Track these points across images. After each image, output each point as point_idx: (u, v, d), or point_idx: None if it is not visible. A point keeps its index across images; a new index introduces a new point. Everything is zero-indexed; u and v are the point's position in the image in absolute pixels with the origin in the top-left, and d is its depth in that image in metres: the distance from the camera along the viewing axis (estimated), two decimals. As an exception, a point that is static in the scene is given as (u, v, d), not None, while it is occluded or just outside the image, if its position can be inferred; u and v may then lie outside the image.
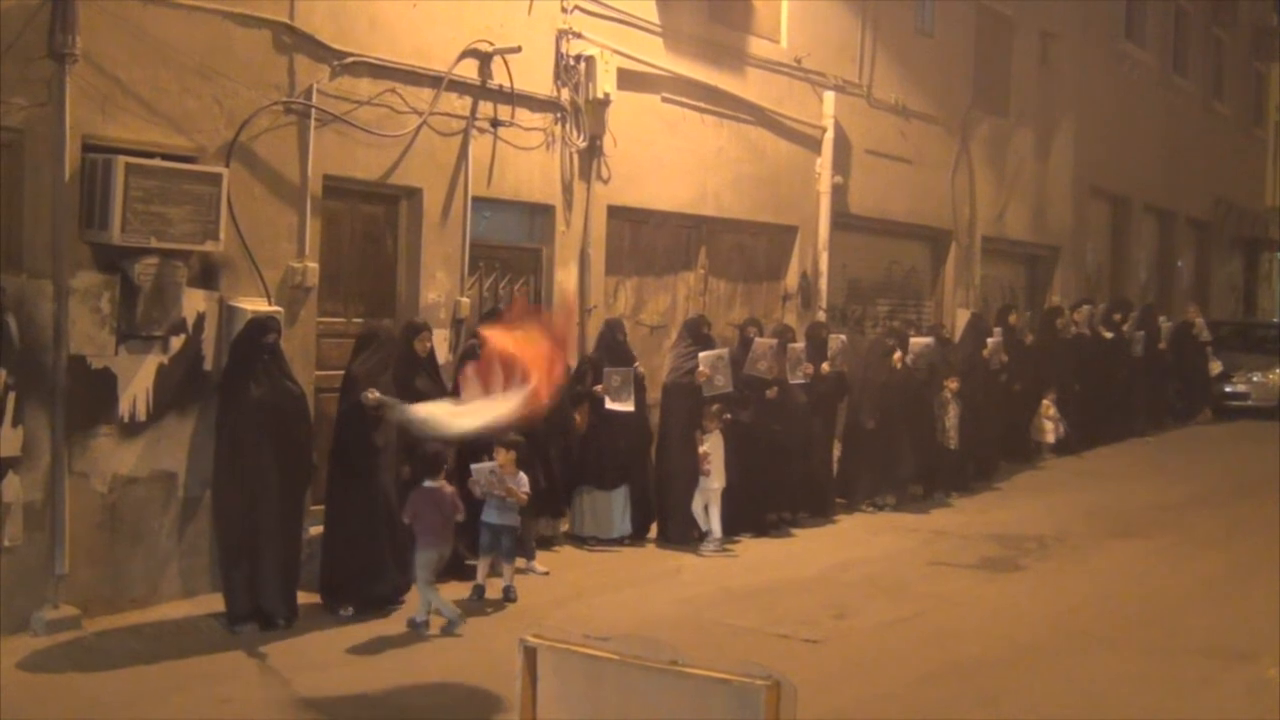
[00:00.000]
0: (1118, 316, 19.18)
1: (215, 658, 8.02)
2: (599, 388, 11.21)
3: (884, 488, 13.50)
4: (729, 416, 11.47)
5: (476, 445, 9.82)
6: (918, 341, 14.17)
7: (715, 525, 11.33)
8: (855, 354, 13.66)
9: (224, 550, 8.73)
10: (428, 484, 8.81)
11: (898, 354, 13.56)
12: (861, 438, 13.29)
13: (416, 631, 8.60)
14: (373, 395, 8.92)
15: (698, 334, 11.96)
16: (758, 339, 12.10)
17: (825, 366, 12.73)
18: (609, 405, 11.15)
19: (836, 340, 13.04)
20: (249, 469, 8.61)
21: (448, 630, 8.60)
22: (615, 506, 11.36)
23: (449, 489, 8.86)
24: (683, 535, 11.46)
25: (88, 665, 7.78)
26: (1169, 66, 25.64)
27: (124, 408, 8.66)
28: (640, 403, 11.45)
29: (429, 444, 8.75)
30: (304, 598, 8.99)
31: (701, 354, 11.60)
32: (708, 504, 11.35)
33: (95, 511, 8.53)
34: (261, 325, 8.90)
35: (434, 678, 7.76)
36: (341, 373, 9.82)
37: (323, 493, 9.33)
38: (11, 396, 8.00)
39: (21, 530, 8.11)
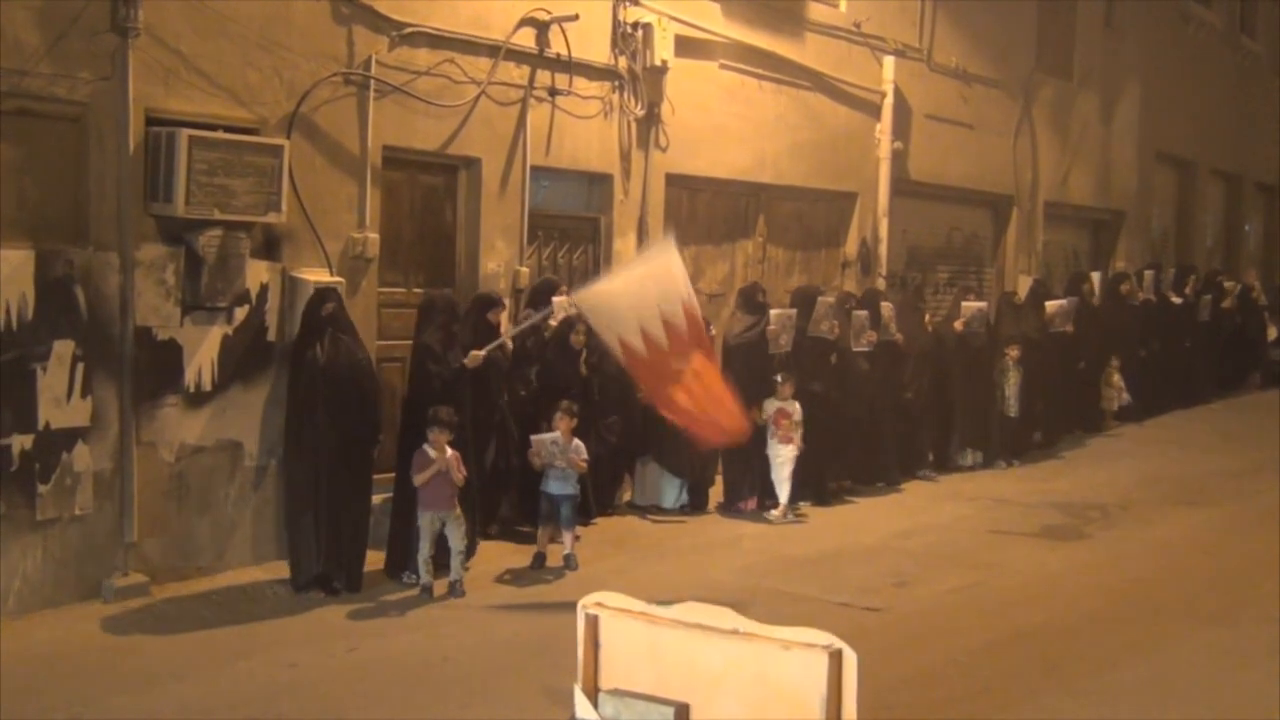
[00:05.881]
0: (1192, 279, 18.92)
1: (282, 624, 8.13)
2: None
3: (944, 455, 13.46)
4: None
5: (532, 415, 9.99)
6: (969, 306, 14.04)
7: (784, 492, 11.29)
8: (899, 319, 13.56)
9: (290, 517, 8.85)
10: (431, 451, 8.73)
11: (928, 316, 13.57)
12: (901, 404, 13.17)
13: (423, 595, 8.70)
14: (477, 355, 9.10)
15: (752, 301, 11.88)
16: (819, 298, 12.04)
17: (899, 336, 12.70)
18: None
19: (887, 308, 12.96)
20: (313, 437, 8.70)
21: (453, 593, 8.76)
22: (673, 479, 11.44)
23: (453, 454, 8.78)
24: (742, 493, 11.46)
25: (157, 631, 7.91)
26: (1236, 27, 25.14)
27: (190, 378, 8.77)
28: None
29: (440, 408, 8.76)
30: (372, 563, 9.08)
31: (773, 312, 11.54)
32: (780, 473, 11.30)
33: (163, 480, 8.66)
34: (320, 296, 9.00)
35: (499, 643, 7.82)
36: (402, 342, 9.94)
37: (392, 461, 9.38)
38: (80, 367, 8.14)
39: (91, 499, 8.26)
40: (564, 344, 10.39)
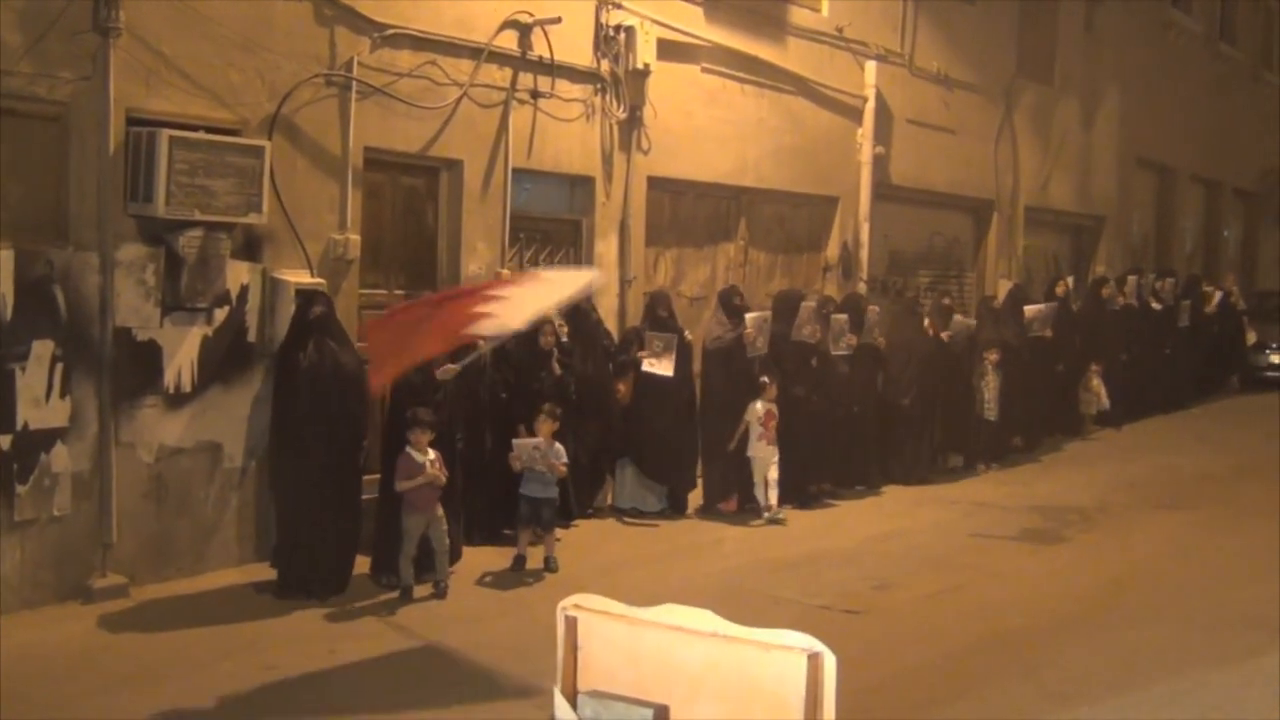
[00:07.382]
0: (1168, 284, 18.99)
1: (262, 625, 8.11)
2: (641, 352, 11.21)
3: (923, 459, 13.49)
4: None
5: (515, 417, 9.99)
6: (960, 322, 14.10)
7: (772, 495, 11.29)
8: (897, 325, 13.64)
9: (279, 521, 8.81)
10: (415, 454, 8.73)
11: (927, 321, 13.60)
12: (899, 410, 13.23)
13: (403, 597, 8.69)
14: (450, 369, 8.98)
15: (730, 305, 11.89)
16: (802, 303, 12.07)
17: (881, 340, 12.73)
18: (645, 367, 11.13)
19: (873, 312, 13.01)
20: (295, 442, 8.68)
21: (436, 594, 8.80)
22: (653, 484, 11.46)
23: (435, 455, 8.76)
24: (722, 496, 11.49)
25: (136, 632, 7.88)
26: (1216, 34, 25.27)
27: (169, 379, 8.74)
28: (684, 369, 11.41)
29: (420, 409, 8.73)
30: (361, 566, 9.06)
31: (749, 316, 11.56)
32: (767, 474, 11.30)
33: (142, 481, 8.63)
34: (307, 299, 8.99)
35: (478, 645, 7.82)
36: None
37: (376, 464, 9.35)
38: (59, 368, 8.11)
39: (70, 500, 8.23)
40: (533, 345, 10.37)
